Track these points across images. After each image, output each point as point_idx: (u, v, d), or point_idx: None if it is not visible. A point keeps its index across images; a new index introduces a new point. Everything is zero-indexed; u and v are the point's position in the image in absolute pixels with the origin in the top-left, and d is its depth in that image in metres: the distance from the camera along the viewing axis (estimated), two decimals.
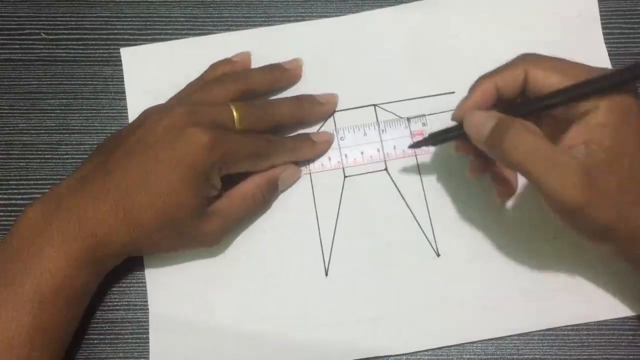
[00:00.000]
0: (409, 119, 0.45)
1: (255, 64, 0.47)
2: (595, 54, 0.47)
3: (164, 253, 0.43)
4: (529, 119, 0.36)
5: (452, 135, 0.39)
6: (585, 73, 0.35)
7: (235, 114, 0.41)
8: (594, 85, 0.34)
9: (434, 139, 0.41)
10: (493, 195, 0.42)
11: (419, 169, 0.45)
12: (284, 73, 0.46)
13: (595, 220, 0.34)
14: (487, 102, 0.38)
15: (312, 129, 0.46)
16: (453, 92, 0.46)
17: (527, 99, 0.37)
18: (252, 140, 0.41)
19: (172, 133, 0.39)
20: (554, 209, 0.35)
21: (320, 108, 0.45)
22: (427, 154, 0.45)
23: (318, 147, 0.45)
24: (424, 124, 0.45)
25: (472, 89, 0.39)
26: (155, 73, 0.47)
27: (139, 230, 0.38)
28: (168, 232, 0.39)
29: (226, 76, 0.44)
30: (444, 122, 0.41)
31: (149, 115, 0.41)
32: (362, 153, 0.45)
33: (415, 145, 0.42)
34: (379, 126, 0.45)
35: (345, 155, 0.45)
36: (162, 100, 0.44)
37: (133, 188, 0.38)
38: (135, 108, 0.46)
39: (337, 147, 0.45)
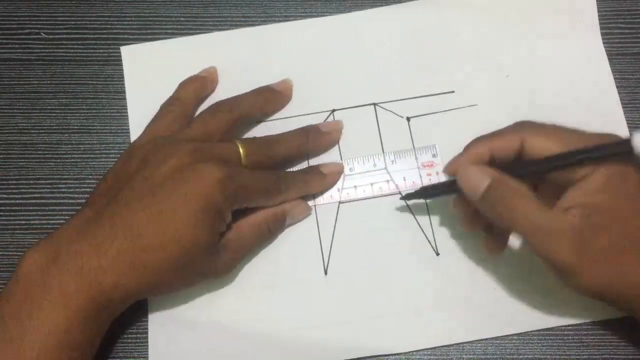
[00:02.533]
0: (417, 150, 0.45)
1: (255, 62, 0.47)
2: (593, 53, 0.47)
3: (174, 292, 0.41)
4: (523, 180, 0.36)
5: (444, 191, 0.40)
6: (581, 139, 0.36)
7: (241, 150, 0.40)
8: (592, 154, 0.34)
9: (425, 192, 0.42)
10: (482, 244, 0.41)
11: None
12: (275, 95, 0.45)
13: (590, 281, 0.35)
14: (480, 162, 0.38)
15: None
16: (453, 92, 0.46)
17: (524, 161, 0.37)
18: (263, 175, 0.41)
19: (182, 170, 0.37)
20: (549, 269, 0.36)
21: (326, 138, 0.45)
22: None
23: (328, 180, 0.44)
24: (434, 155, 0.45)
25: (467, 148, 0.39)
26: (155, 71, 0.47)
27: (150, 274, 0.37)
28: (180, 272, 0.38)
29: (218, 105, 0.43)
30: (453, 146, 0.40)
31: (147, 152, 0.39)
32: (371, 185, 0.45)
33: (407, 197, 0.43)
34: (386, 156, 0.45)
35: (355, 187, 0.44)
36: (162, 98, 0.44)
37: (142, 230, 0.36)
38: (135, 106, 0.47)
39: (343, 180, 0.45)
